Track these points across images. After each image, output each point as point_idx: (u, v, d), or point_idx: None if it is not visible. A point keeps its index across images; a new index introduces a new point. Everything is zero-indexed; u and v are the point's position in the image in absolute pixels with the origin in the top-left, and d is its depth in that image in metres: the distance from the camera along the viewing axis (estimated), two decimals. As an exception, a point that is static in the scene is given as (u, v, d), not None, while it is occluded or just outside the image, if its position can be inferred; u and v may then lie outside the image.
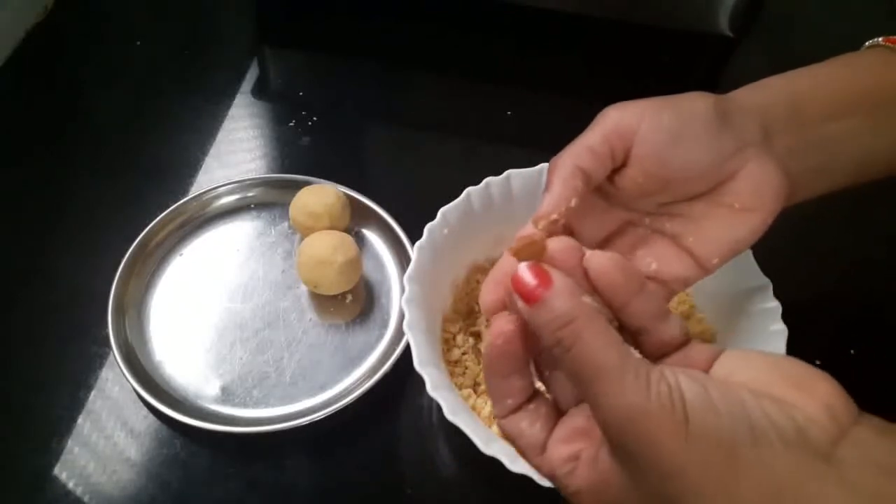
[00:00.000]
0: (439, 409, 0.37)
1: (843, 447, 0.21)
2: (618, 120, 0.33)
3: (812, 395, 0.22)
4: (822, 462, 0.21)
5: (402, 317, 0.42)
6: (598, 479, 0.25)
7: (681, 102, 0.33)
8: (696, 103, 0.33)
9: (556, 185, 0.32)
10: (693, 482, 0.22)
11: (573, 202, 0.32)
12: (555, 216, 0.31)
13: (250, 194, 0.58)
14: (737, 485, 0.21)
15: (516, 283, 0.25)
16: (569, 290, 0.24)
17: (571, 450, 0.26)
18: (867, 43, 0.39)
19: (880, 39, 0.37)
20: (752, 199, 0.32)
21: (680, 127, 0.32)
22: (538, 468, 0.27)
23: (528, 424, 0.27)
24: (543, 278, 0.24)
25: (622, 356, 0.23)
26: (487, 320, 0.47)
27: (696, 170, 0.32)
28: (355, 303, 0.53)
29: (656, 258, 0.34)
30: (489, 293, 0.32)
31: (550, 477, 0.26)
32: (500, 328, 0.26)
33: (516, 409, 0.27)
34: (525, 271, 0.24)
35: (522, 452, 0.28)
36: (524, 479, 0.35)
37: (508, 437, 0.28)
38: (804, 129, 0.34)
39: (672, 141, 0.32)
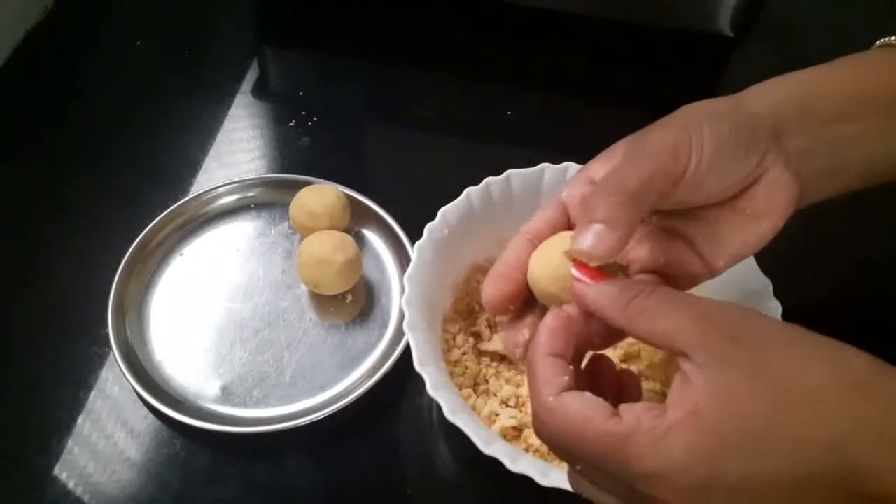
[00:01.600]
0: (439, 409, 0.37)
1: None
2: (673, 149, 0.30)
3: None
4: None
5: (402, 317, 0.42)
6: (695, 408, 0.24)
7: (713, 126, 0.31)
8: (721, 125, 0.31)
9: (621, 223, 0.29)
10: (796, 354, 0.26)
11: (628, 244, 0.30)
12: (612, 260, 0.29)
13: (250, 194, 0.58)
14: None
15: (579, 278, 0.29)
16: None
17: (649, 406, 0.26)
18: (878, 42, 0.38)
19: (892, 39, 0.37)
20: (764, 205, 0.32)
21: (716, 154, 0.31)
22: (605, 434, 0.25)
23: (592, 394, 0.27)
24: (604, 275, 0.29)
25: None
26: (488, 322, 0.47)
27: (724, 191, 0.32)
28: (355, 303, 0.53)
29: (664, 253, 0.34)
30: (493, 288, 0.32)
31: (631, 432, 0.25)
32: (561, 309, 0.29)
33: (570, 388, 0.27)
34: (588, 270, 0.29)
35: (580, 423, 0.26)
36: (524, 479, 0.35)
37: (564, 410, 0.26)
38: (814, 129, 0.34)
39: (708, 169, 0.31)
